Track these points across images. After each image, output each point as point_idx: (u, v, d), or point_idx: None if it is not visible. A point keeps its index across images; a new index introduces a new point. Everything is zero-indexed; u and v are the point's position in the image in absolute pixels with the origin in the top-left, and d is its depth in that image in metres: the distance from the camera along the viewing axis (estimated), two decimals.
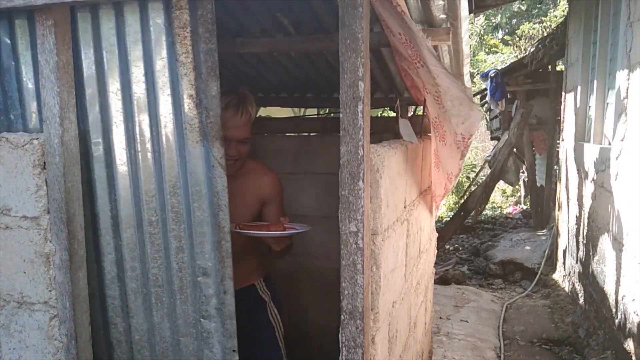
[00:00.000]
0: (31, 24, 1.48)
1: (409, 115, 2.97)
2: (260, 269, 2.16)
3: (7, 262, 1.55)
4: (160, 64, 1.43)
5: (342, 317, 1.29)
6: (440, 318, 4.54)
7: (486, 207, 9.02)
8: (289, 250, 2.01)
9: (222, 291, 1.51)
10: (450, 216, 8.01)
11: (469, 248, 7.64)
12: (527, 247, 6.77)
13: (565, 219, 5.50)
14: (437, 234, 3.19)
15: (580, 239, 4.61)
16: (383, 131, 3.01)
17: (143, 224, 1.52)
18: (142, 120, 1.47)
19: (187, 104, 1.42)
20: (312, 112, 4.90)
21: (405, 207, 1.80)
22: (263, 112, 4.04)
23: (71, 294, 1.47)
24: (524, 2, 12.61)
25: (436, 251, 3.12)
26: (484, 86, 8.10)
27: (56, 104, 1.40)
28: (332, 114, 4.38)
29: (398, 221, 1.67)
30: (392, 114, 3.72)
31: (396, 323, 1.71)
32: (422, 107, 2.31)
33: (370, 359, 1.37)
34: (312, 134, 3.40)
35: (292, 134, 3.38)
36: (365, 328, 1.28)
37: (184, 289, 1.53)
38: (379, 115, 4.68)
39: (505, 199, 11.75)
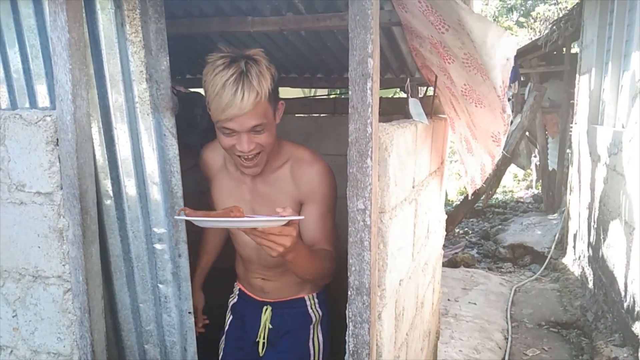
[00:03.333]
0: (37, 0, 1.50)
1: (420, 96, 2.96)
2: (315, 283, 1.74)
3: (22, 237, 1.58)
4: (109, 43, 1.50)
5: (349, 292, 1.30)
6: (449, 300, 4.57)
7: (497, 191, 8.97)
8: (323, 272, 1.52)
9: (177, 255, 1.60)
10: (461, 200, 7.99)
11: (479, 232, 7.63)
12: (538, 231, 6.75)
13: (577, 202, 5.46)
14: (447, 217, 3.19)
15: (591, 222, 4.59)
16: (393, 112, 3.00)
17: (101, 197, 1.58)
18: (93, 96, 1.53)
19: (138, 78, 1.50)
20: (321, 93, 4.89)
21: (413, 187, 1.80)
22: None
23: (84, 268, 1.50)
24: None
25: (445, 234, 3.13)
26: None
27: (68, 81, 1.42)
28: (342, 95, 4.36)
29: (406, 200, 1.67)
30: (404, 96, 3.69)
31: (403, 301, 1.73)
32: (432, 87, 2.30)
33: (376, 335, 1.39)
34: (322, 115, 3.40)
35: (302, 115, 3.38)
36: (371, 304, 1.30)
37: (140, 257, 1.61)
38: (392, 97, 4.65)
39: (516, 183, 11.69)
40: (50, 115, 1.49)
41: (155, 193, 1.57)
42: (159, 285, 1.64)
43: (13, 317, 1.65)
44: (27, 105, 1.61)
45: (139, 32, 1.48)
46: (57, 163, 1.49)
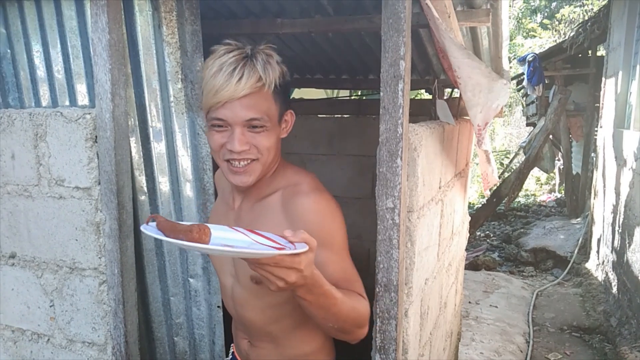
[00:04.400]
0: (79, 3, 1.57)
1: (445, 97, 2.96)
2: (321, 356, 1.33)
3: (61, 230, 1.64)
4: (147, 44, 1.55)
5: (376, 289, 1.33)
6: (470, 303, 4.55)
7: (519, 194, 8.89)
8: (353, 318, 1.11)
9: None
10: (483, 202, 7.93)
11: (500, 235, 7.57)
12: (561, 236, 6.67)
13: (601, 207, 5.39)
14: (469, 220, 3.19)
15: (616, 227, 4.53)
16: (418, 113, 3.01)
17: (136, 193, 1.64)
18: (130, 95, 1.58)
19: (173, 78, 1.56)
20: (343, 94, 4.92)
21: (440, 188, 1.82)
22: (297, 93, 4.08)
23: (119, 261, 1.55)
24: None
25: (468, 235, 3.13)
26: (520, 70, 7.92)
27: (108, 80, 1.47)
28: (364, 97, 4.38)
29: (433, 200, 1.69)
30: (427, 97, 3.70)
31: (428, 300, 1.75)
32: (458, 89, 2.31)
33: (403, 332, 1.41)
34: (345, 116, 3.43)
35: (326, 115, 3.42)
36: (399, 301, 1.33)
37: (172, 252, 1.67)
38: (415, 98, 4.66)
39: (539, 187, 11.54)
40: (89, 113, 1.54)
41: (188, 190, 1.62)
42: (189, 279, 1.69)
43: (50, 307, 1.71)
44: (67, 103, 1.68)
45: (175, 34, 1.53)
46: (96, 159, 1.55)
